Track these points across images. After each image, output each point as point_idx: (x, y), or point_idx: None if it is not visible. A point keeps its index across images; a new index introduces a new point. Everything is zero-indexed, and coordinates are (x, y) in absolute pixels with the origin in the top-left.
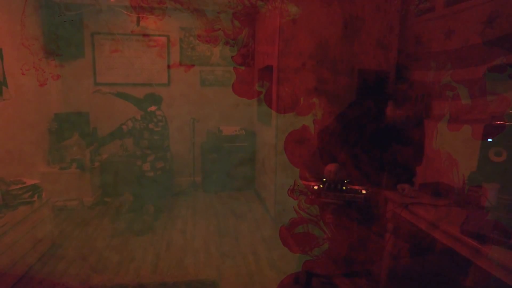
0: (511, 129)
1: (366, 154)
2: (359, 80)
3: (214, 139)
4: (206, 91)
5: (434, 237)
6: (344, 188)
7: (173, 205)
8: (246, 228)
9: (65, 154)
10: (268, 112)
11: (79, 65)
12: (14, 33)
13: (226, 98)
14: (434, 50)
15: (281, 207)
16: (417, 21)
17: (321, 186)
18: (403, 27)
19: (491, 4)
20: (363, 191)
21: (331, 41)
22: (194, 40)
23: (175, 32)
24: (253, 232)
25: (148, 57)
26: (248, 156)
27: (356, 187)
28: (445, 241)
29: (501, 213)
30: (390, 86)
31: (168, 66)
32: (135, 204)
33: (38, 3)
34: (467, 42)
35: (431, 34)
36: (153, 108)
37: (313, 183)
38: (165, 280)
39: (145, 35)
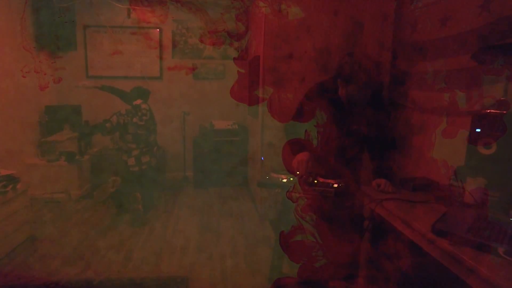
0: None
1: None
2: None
3: (206, 134)
4: (199, 84)
5: (407, 237)
6: (315, 181)
7: (160, 201)
8: (230, 225)
9: (55, 147)
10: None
11: (71, 58)
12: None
13: (219, 91)
14: (429, 38)
15: (267, 204)
16: (412, 9)
17: (291, 179)
18: (398, 16)
19: None
20: (335, 185)
21: (333, 43)
22: (186, 33)
23: (167, 24)
24: (237, 228)
25: (140, 50)
26: (241, 151)
27: (328, 181)
28: (417, 241)
29: (485, 211)
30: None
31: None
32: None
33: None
34: (462, 29)
35: (426, 22)
36: (138, 101)
37: (282, 176)
38: (133, 276)
39: (137, 27)
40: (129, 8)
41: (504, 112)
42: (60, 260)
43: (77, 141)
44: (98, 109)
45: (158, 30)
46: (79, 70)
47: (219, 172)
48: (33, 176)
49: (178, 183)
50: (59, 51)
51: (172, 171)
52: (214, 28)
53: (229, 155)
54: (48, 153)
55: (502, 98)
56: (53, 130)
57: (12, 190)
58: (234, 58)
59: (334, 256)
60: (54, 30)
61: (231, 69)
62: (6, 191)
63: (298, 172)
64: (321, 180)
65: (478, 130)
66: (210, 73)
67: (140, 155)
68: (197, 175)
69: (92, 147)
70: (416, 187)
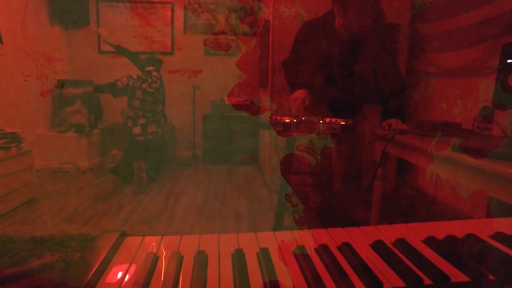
0: None
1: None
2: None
3: (217, 110)
4: (210, 60)
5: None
6: (321, 122)
7: (166, 174)
8: (236, 195)
9: (66, 120)
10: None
11: (84, 33)
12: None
13: (231, 67)
14: None
15: (275, 175)
16: None
17: (294, 120)
18: None
19: None
20: (342, 122)
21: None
22: (199, 8)
23: None
24: (243, 199)
25: (152, 25)
26: (252, 128)
27: (335, 119)
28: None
29: None
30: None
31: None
32: (124, 161)
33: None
34: None
35: None
36: (150, 68)
37: (284, 118)
38: (128, 233)
39: (149, 2)
40: None
41: None
42: (58, 219)
43: (88, 114)
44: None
45: (170, 5)
46: (92, 45)
47: (229, 149)
48: (43, 146)
49: (187, 159)
50: (72, 26)
51: (181, 148)
52: (220, 31)
53: (239, 132)
54: (59, 125)
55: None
56: (65, 104)
57: (16, 148)
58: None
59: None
60: (67, 5)
61: (243, 46)
62: (10, 147)
63: (304, 118)
64: (327, 120)
65: (509, 60)
66: (222, 49)
67: (147, 124)
68: (207, 152)
69: (103, 121)
70: (432, 128)
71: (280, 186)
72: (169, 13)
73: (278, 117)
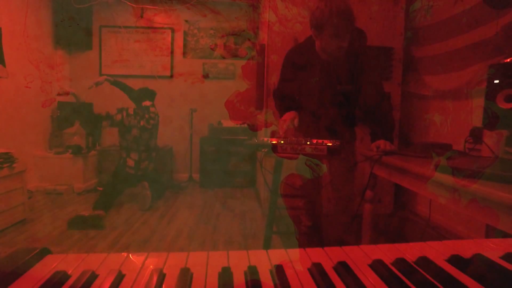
0: None
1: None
2: None
3: (214, 134)
4: (209, 84)
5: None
6: (308, 143)
7: (161, 197)
8: (229, 220)
9: (65, 141)
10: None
11: (87, 57)
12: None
13: (230, 91)
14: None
15: (268, 195)
16: None
17: (282, 142)
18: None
19: None
20: (329, 143)
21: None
22: (198, 33)
23: (179, 24)
24: (236, 223)
25: (152, 49)
26: (250, 152)
27: (321, 140)
28: (421, 190)
29: (506, 164)
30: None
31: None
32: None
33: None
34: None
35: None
36: (147, 103)
37: (272, 139)
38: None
39: (149, 27)
40: (142, 8)
41: None
42: (47, 240)
43: (86, 136)
44: (109, 108)
45: (170, 30)
46: (93, 69)
47: (226, 173)
48: (40, 167)
49: (184, 183)
50: (76, 50)
51: (178, 172)
52: (219, 55)
53: (236, 156)
54: (57, 146)
55: None
56: (64, 126)
57: (8, 168)
58: (243, 66)
59: None
60: (72, 30)
61: (241, 70)
62: (2, 167)
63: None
64: (314, 141)
65: (496, 81)
66: (221, 73)
67: (140, 161)
68: (203, 175)
69: (101, 144)
70: (422, 149)
71: (268, 209)
72: (169, 38)
73: (266, 139)
